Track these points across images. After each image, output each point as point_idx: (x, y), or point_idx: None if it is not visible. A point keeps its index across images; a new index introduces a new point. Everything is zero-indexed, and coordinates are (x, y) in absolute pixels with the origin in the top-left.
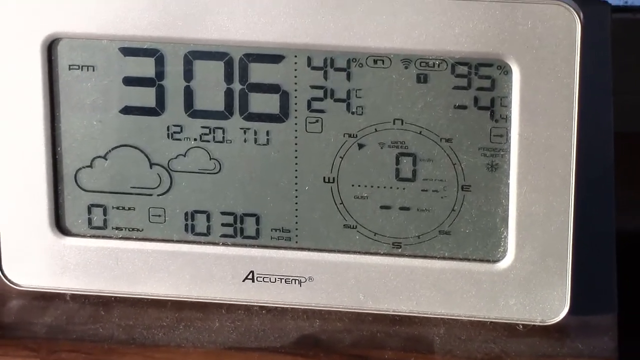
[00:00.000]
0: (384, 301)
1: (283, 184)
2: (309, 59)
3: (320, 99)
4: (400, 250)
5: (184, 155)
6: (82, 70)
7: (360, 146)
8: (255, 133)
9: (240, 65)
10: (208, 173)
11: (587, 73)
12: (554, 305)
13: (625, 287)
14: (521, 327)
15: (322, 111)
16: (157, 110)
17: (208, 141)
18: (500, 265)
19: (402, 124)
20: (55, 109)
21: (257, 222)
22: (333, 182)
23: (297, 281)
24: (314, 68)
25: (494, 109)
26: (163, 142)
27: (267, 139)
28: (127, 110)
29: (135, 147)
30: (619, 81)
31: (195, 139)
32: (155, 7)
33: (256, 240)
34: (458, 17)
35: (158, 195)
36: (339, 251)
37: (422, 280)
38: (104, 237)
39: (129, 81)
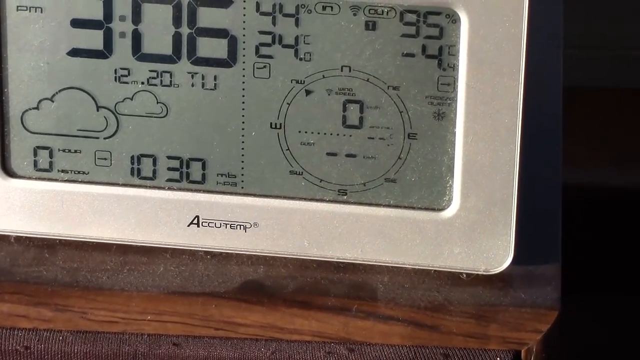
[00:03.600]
0: (328, 248)
1: (230, 129)
2: (258, 4)
3: (269, 45)
4: (345, 197)
5: (131, 99)
6: (30, 11)
7: (308, 92)
8: (203, 77)
9: (189, 9)
10: (155, 117)
11: (538, 25)
12: (498, 254)
13: (569, 240)
14: (465, 276)
15: (270, 57)
16: (104, 53)
17: (155, 85)
18: (445, 214)
19: (349, 71)
20: (2, 50)
21: (204, 167)
22: (280, 128)
23: (242, 227)
24: (262, 13)
25: (442, 57)
26: (110, 85)
27: (215, 84)
28: (74, 53)
29: (82, 90)
30: (571, 35)
31: (142, 83)
32: None
33: (202, 185)
34: None
35: (104, 138)
36: (285, 197)
37: (367, 227)
38: (49, 179)
39: (77, 23)
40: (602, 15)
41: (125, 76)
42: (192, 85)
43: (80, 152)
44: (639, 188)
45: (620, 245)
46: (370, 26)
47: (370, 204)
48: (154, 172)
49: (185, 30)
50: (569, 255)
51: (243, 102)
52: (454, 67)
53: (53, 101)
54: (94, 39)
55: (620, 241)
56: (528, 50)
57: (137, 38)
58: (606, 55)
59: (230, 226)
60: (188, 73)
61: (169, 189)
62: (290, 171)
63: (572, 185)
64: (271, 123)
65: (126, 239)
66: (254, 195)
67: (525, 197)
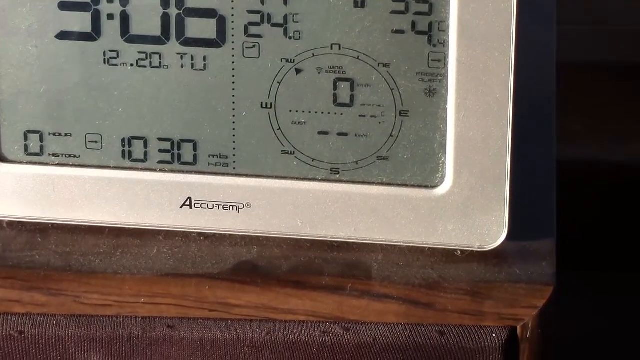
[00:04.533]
0: (322, 227)
1: (220, 110)
2: None
3: (257, 24)
4: (338, 176)
5: (121, 81)
6: None
7: (298, 71)
8: (192, 58)
9: None
10: (145, 99)
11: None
12: (492, 230)
13: (564, 215)
14: (459, 252)
15: (259, 36)
16: (93, 35)
17: (145, 66)
18: (439, 191)
19: (339, 48)
20: None
21: (195, 148)
22: (271, 107)
23: (234, 207)
24: None
25: (432, 33)
26: (99, 68)
27: (204, 65)
28: (63, 36)
29: (72, 73)
30: (565, 10)
31: (131, 65)
32: None
33: (194, 167)
34: None
35: (95, 121)
36: (277, 177)
37: (360, 206)
38: (40, 163)
39: (65, 6)
40: None
41: (115, 58)
42: (182, 66)
43: (70, 136)
44: (634, 163)
45: (616, 221)
46: (359, 3)
47: (362, 183)
48: (145, 154)
49: (173, 11)
50: (564, 230)
51: (233, 82)
52: (444, 43)
53: (42, 85)
54: (82, 22)
55: (616, 217)
56: (519, 25)
57: (125, 19)
58: (602, 30)
59: (223, 207)
60: (177, 54)
61: (161, 170)
62: (282, 151)
63: (568, 160)
64: (262, 103)
65: (118, 222)
66: (246, 175)
67: (519, 172)
